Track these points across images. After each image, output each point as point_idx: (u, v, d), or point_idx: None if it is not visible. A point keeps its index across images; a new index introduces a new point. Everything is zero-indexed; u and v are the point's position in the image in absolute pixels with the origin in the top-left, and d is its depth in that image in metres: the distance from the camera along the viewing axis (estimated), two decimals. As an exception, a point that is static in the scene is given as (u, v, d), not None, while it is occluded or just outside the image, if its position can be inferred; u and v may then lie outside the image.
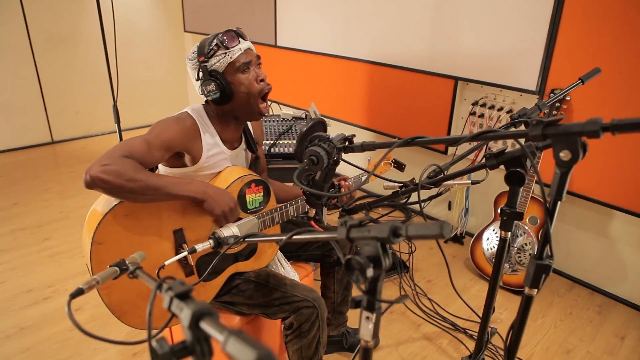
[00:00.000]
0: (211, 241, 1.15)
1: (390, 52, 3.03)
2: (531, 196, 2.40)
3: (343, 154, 1.18)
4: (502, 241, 1.20)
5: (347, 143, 1.17)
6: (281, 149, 2.35)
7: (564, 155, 0.83)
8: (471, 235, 3.01)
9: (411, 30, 2.88)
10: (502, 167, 1.13)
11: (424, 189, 1.28)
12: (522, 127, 1.27)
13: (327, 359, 2.01)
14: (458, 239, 2.97)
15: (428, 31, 2.79)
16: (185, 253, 1.11)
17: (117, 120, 2.37)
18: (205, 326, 0.53)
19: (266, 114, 1.53)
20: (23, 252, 2.75)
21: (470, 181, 1.42)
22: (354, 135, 1.18)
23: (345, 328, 2.02)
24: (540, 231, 2.42)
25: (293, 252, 1.82)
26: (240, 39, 1.44)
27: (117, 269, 0.91)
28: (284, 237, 0.89)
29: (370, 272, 0.69)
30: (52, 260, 2.68)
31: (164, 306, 0.59)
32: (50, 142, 4.55)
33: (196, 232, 1.42)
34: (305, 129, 1.31)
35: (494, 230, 2.55)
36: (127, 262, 0.95)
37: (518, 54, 2.44)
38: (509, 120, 1.52)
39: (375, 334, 0.77)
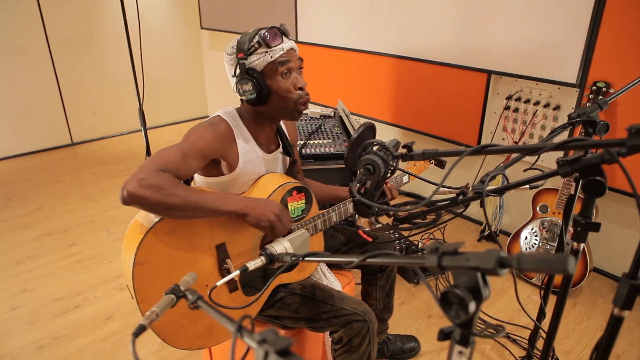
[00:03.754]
0: (262, 258, 1.08)
1: (418, 45, 2.92)
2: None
3: (401, 161, 1.10)
4: (575, 253, 1.12)
5: (406, 150, 1.08)
6: (312, 150, 2.28)
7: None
8: (505, 233, 2.91)
9: (440, 22, 2.77)
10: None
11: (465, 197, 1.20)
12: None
13: (368, 368, 1.95)
14: (492, 238, 2.88)
15: (458, 23, 2.68)
16: (237, 272, 1.04)
17: (144, 124, 2.30)
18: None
19: (304, 110, 1.44)
20: (50, 258, 2.73)
21: (528, 186, 1.33)
22: (414, 142, 1.10)
23: (386, 335, 1.96)
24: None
25: (333, 260, 1.75)
26: (284, 37, 1.36)
27: (173, 296, 0.85)
28: (355, 260, 0.81)
29: (472, 306, 0.62)
30: (79, 266, 2.65)
31: (258, 359, 0.52)
32: (69, 144, 4.53)
33: (239, 245, 1.36)
34: (356, 135, 1.23)
35: (532, 229, 2.45)
36: (181, 288, 0.89)
37: (556, 45, 2.33)
38: (568, 119, 1.43)
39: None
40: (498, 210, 2.82)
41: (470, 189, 1.25)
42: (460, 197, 1.20)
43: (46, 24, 4.08)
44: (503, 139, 2.75)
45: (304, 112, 1.44)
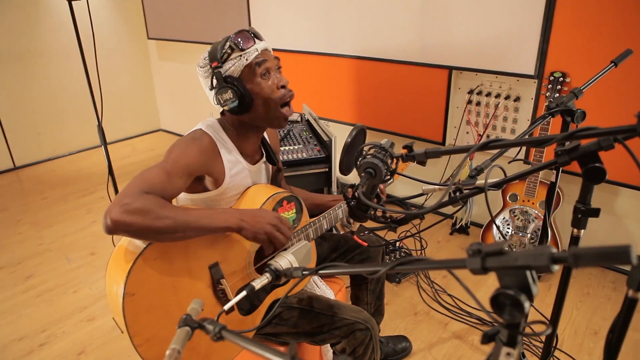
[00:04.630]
0: (268, 275, 1.02)
1: (378, 45, 2.94)
2: (540, 180, 2.37)
3: (401, 162, 1.08)
4: (575, 239, 1.13)
5: (406, 151, 1.06)
6: (285, 156, 2.22)
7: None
8: (477, 225, 2.98)
9: (398, 21, 2.80)
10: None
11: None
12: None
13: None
14: (464, 230, 2.93)
15: (416, 21, 2.72)
16: (244, 293, 0.98)
17: (104, 140, 2.15)
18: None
19: (290, 116, 1.40)
20: (6, 294, 2.50)
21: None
22: (413, 143, 1.08)
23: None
24: (553, 216, 2.41)
25: (323, 268, 1.70)
26: (256, 39, 1.30)
27: (188, 329, 0.78)
28: (381, 269, 0.77)
29: (527, 305, 0.60)
30: (40, 300, 2.44)
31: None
32: (12, 168, 4.21)
33: (233, 263, 1.28)
34: (350, 139, 1.20)
35: (504, 218, 2.52)
36: (192, 317, 0.82)
37: (513, 38, 2.41)
38: (545, 110, 1.47)
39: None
40: (468, 202, 2.88)
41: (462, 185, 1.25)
42: (459, 194, 1.19)
43: (-23, 41, 3.77)
44: (467, 133, 2.81)
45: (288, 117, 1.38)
